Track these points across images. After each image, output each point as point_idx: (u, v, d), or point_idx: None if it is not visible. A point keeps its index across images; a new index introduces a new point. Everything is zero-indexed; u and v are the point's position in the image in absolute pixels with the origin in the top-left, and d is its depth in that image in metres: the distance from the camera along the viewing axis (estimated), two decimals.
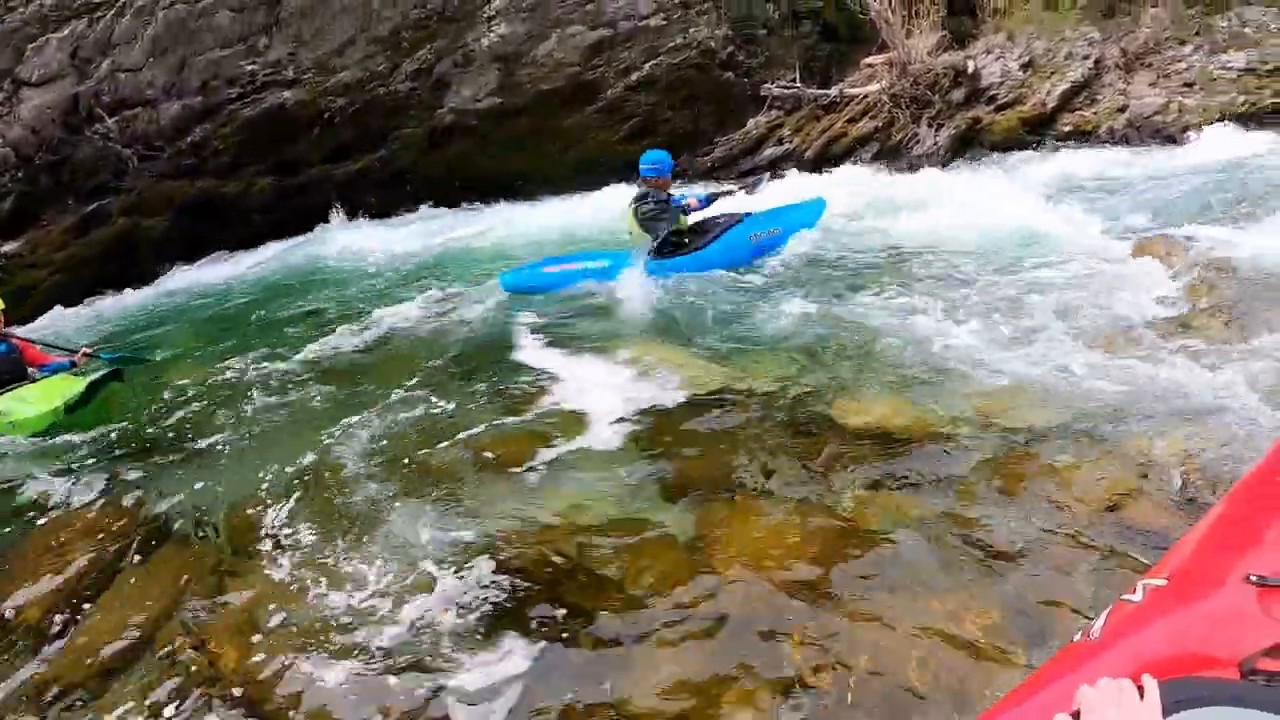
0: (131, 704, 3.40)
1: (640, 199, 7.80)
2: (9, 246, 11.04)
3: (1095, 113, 11.75)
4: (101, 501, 5.18)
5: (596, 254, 8.33)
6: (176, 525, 4.78)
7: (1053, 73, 12.16)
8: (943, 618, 3.19)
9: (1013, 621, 3.13)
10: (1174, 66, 11.86)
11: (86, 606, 4.13)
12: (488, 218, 12.67)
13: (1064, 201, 9.06)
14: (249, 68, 11.99)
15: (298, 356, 7.48)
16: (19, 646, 3.92)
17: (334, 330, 8.14)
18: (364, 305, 8.99)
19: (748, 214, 8.23)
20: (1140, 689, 1.48)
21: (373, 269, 10.71)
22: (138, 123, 11.56)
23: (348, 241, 12.20)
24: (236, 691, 3.36)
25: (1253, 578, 1.95)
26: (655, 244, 7.86)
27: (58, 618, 4.07)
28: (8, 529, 5.11)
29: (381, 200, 13.17)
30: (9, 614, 4.16)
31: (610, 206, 11.79)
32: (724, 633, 3.28)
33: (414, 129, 12.89)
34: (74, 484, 5.46)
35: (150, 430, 6.34)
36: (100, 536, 4.74)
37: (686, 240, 7.98)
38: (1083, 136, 11.68)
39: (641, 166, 7.87)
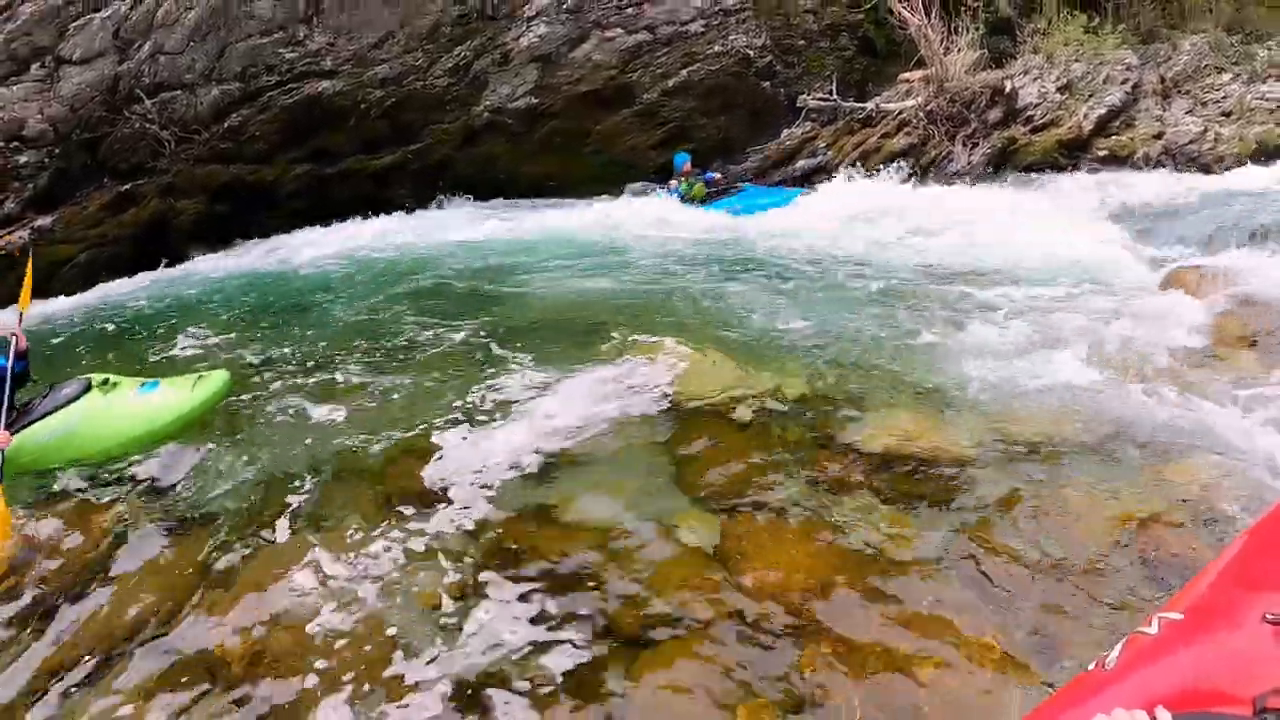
0: (134, 689, 3.38)
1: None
2: (42, 221, 11.05)
3: (1131, 138, 11.73)
4: (111, 485, 5.10)
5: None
6: (185, 511, 4.70)
7: (1090, 96, 12.14)
8: (955, 641, 3.20)
9: (1025, 647, 3.14)
10: (1212, 95, 11.86)
11: (92, 590, 4.07)
12: (518, 216, 12.67)
13: (1096, 225, 9.07)
14: (288, 56, 12.02)
15: (316, 346, 7.45)
16: (27, 628, 3.87)
17: (352, 322, 8.17)
18: (384, 299, 9.00)
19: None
20: None
21: (402, 263, 10.69)
22: (176, 106, 11.59)
23: (377, 234, 12.24)
24: (241, 681, 3.35)
25: (1269, 616, 1.99)
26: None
27: (62, 601, 4.02)
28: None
29: (414, 195, 13.20)
30: (21, 597, 4.11)
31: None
32: (738, 645, 3.27)
33: (450, 125, 12.90)
34: (86, 471, 5.31)
35: None
36: (106, 519, 4.68)
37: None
38: (1118, 161, 11.65)
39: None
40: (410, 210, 13.19)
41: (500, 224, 12.16)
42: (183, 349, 7.87)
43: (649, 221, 11.30)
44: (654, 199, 12.24)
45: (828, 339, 6.44)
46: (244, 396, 6.21)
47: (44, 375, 5.75)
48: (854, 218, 10.47)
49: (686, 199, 11.85)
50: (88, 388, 5.49)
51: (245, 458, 5.23)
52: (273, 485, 4.83)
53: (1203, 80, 12.07)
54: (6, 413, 5.08)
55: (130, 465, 5.27)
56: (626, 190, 12.75)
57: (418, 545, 4.07)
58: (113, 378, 5.66)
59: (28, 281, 6.23)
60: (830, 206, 11.19)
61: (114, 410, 5.43)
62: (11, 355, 5.25)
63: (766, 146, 13.55)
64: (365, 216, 12.90)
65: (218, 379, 5.80)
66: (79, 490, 5.08)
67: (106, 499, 4.91)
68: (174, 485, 4.97)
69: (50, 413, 5.30)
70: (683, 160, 12.20)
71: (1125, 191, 10.63)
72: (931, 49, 12.46)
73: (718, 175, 12.43)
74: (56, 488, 5.15)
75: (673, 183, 12.13)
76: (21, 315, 5.81)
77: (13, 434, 5.08)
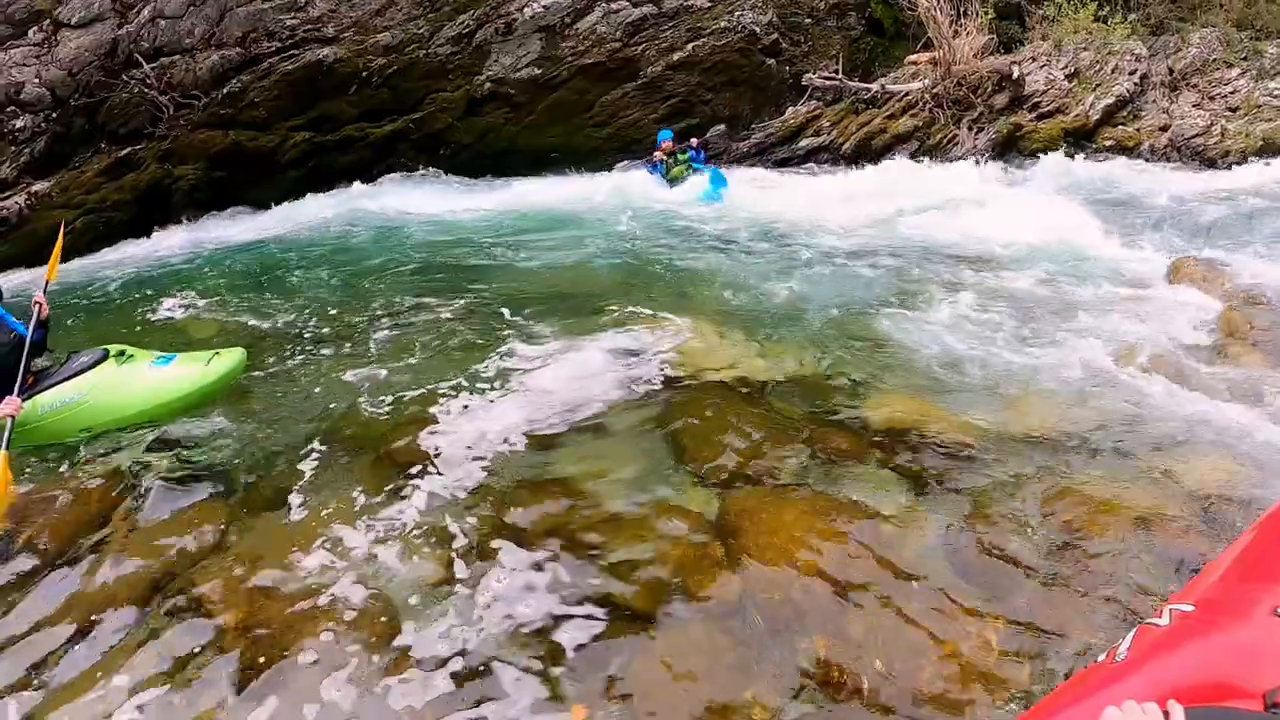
0: (136, 657, 3.39)
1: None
2: (39, 186, 10.91)
3: (1138, 129, 11.71)
4: (118, 456, 5.06)
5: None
6: (192, 483, 4.65)
7: (1098, 85, 12.08)
8: (962, 627, 3.20)
9: (1033, 635, 3.15)
10: (1219, 89, 11.82)
11: (94, 559, 4.04)
12: (511, 188, 12.63)
13: (1101, 215, 9.06)
14: (289, 22, 11.82)
15: (315, 316, 7.42)
16: (27, 595, 3.86)
17: (349, 293, 8.14)
18: (385, 269, 8.98)
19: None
20: (1166, 714, 1.57)
21: (401, 232, 10.64)
22: (175, 70, 11.39)
23: (377, 202, 12.14)
24: (245, 652, 3.35)
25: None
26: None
27: (64, 568, 4.01)
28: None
29: (415, 163, 13.09)
30: (21, 563, 4.10)
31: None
32: (742, 626, 3.27)
33: (451, 94, 12.74)
34: (95, 441, 5.28)
35: None
36: (112, 488, 4.66)
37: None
38: (1123, 151, 11.64)
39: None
40: (404, 177, 13.11)
41: (494, 195, 12.16)
42: (177, 317, 7.85)
43: (637, 197, 11.30)
44: (639, 175, 12.24)
45: (830, 317, 6.49)
46: (250, 369, 6.16)
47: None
48: (849, 200, 10.48)
49: (666, 177, 11.82)
50: (104, 358, 5.49)
51: (252, 430, 5.24)
52: (281, 458, 4.83)
53: (1211, 74, 12.00)
54: (21, 379, 5.09)
55: (139, 437, 5.26)
56: (640, 167, 12.70)
57: (424, 518, 4.09)
58: (129, 349, 5.65)
59: (57, 252, 6.26)
60: (817, 190, 11.21)
61: (128, 381, 5.43)
62: (33, 323, 5.28)
63: (771, 124, 13.45)
64: (365, 181, 12.85)
65: (233, 356, 5.76)
66: (86, 459, 5.09)
67: (113, 469, 4.90)
68: (181, 457, 4.96)
69: (64, 380, 5.32)
70: (664, 137, 12.05)
71: (1131, 182, 10.65)
72: (940, 31, 12.34)
73: (695, 140, 12.28)
74: (64, 456, 5.16)
75: (655, 156, 12.04)
76: (47, 284, 5.81)
77: (25, 400, 5.09)
